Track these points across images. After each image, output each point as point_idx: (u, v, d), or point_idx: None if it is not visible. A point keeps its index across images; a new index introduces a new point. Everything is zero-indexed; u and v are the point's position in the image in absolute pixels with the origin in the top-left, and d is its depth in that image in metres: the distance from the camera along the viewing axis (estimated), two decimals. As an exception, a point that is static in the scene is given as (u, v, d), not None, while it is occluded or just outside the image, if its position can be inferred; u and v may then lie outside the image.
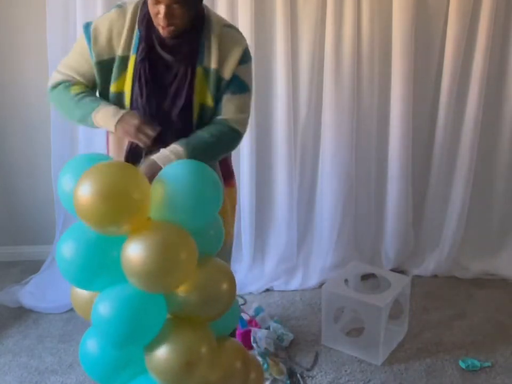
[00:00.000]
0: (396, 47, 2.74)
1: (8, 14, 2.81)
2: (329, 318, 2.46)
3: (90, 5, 2.62)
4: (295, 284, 2.94)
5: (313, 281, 2.95)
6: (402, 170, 2.91)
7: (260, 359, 2.31)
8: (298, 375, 2.29)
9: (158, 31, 1.74)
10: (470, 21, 2.73)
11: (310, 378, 2.30)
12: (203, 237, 1.59)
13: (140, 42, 1.77)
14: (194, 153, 1.69)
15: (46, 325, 2.64)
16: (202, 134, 1.77)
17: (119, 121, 1.74)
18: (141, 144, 1.74)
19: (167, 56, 1.77)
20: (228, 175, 2.00)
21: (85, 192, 1.41)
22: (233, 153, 2.02)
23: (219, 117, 1.82)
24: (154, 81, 1.78)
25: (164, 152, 1.67)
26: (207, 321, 1.62)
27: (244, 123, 1.87)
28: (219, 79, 1.80)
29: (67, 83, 1.85)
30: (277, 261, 2.98)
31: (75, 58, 1.88)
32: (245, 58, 1.82)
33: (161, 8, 1.66)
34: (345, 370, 2.34)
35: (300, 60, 2.77)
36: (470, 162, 2.91)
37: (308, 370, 2.33)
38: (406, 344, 2.49)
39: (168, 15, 1.67)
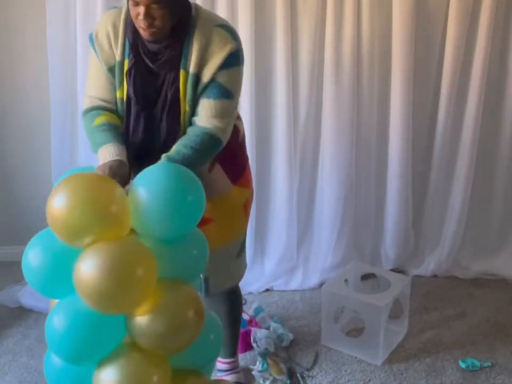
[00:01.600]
0: (395, 47, 2.74)
1: (8, 14, 2.81)
2: (329, 318, 2.46)
3: (90, 5, 2.63)
4: (295, 284, 2.94)
5: (313, 281, 2.95)
6: (402, 170, 2.91)
7: (259, 359, 2.32)
8: (298, 375, 2.29)
9: (142, 37, 1.72)
10: (470, 21, 2.73)
11: (310, 378, 2.30)
12: (184, 256, 1.53)
13: (130, 50, 1.75)
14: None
15: (46, 325, 2.64)
16: (182, 148, 1.70)
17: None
18: None
19: (149, 63, 1.75)
20: (237, 174, 1.98)
21: (60, 203, 1.39)
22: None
23: (198, 123, 1.76)
24: (144, 89, 1.76)
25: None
26: (168, 353, 1.52)
27: (224, 130, 1.78)
28: (197, 82, 1.75)
29: (95, 112, 1.80)
30: (277, 261, 2.98)
31: (94, 75, 1.84)
32: (230, 62, 1.73)
33: (141, 9, 1.63)
34: (345, 370, 2.34)
35: (299, 59, 2.77)
36: (470, 162, 2.91)
37: (308, 370, 2.33)
38: (406, 344, 2.49)
39: (148, 16, 1.64)
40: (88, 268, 1.37)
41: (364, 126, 2.90)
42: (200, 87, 1.75)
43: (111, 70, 1.79)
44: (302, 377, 2.29)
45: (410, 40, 2.72)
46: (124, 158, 1.67)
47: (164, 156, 1.67)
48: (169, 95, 1.75)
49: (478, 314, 2.71)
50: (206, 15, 1.78)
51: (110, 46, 1.77)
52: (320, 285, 2.85)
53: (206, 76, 1.73)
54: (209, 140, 1.74)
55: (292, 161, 2.88)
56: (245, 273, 2.94)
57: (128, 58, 1.76)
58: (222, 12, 2.64)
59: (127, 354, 1.48)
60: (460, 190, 2.95)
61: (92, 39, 1.80)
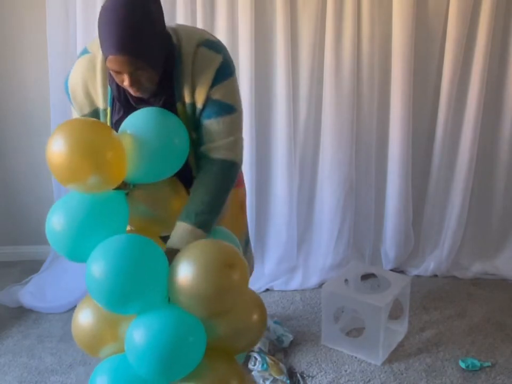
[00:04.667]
0: (396, 47, 2.74)
1: (9, 15, 2.81)
2: (329, 318, 2.46)
3: (90, 6, 2.63)
4: (295, 283, 2.94)
5: (313, 281, 2.95)
6: (402, 170, 2.91)
7: (259, 359, 2.31)
8: (298, 375, 2.29)
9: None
10: (470, 21, 2.73)
11: (310, 378, 2.30)
12: None
13: (113, 99, 1.65)
14: (201, 219, 1.57)
15: (46, 325, 2.64)
16: (198, 195, 1.62)
17: None
18: None
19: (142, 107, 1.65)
20: None
21: (58, 148, 1.43)
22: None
23: (203, 148, 1.67)
24: None
25: (175, 234, 1.56)
26: (235, 353, 1.55)
27: (233, 148, 1.67)
28: (194, 109, 1.66)
29: None
30: (277, 261, 2.98)
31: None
32: (220, 76, 1.63)
33: (125, 77, 1.51)
34: (345, 370, 2.34)
35: (300, 60, 2.77)
36: (470, 163, 2.91)
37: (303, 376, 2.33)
38: (406, 344, 2.49)
39: (134, 82, 1.52)
40: None
41: (364, 126, 2.90)
42: (197, 113, 1.66)
43: (84, 116, 1.68)
44: (302, 377, 2.29)
45: (410, 40, 2.72)
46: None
47: (182, 215, 1.58)
48: None
49: (478, 314, 2.71)
50: (186, 37, 1.65)
51: (87, 94, 1.66)
52: (320, 285, 2.85)
53: (200, 101, 1.64)
54: (222, 167, 1.65)
55: (292, 161, 2.88)
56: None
57: (111, 107, 1.65)
58: (221, 12, 2.65)
59: (206, 361, 1.46)
60: (460, 190, 2.95)
61: (66, 85, 1.69)
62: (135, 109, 1.65)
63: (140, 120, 1.53)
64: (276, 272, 2.96)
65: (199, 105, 1.64)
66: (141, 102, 1.65)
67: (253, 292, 1.57)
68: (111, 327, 1.50)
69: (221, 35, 2.62)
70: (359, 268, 2.67)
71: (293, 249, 3.00)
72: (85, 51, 1.70)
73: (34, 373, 2.35)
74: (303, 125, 2.87)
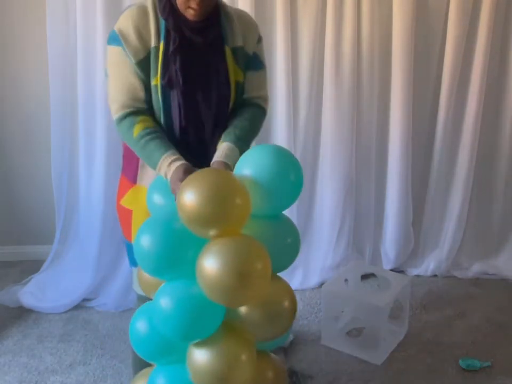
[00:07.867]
0: (396, 46, 2.75)
1: (8, 15, 2.81)
2: (329, 318, 2.46)
3: (90, 5, 2.63)
4: (295, 283, 2.94)
5: (313, 281, 2.95)
6: (402, 170, 2.91)
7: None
8: (298, 374, 2.29)
9: (183, 16, 1.69)
10: (470, 21, 2.73)
11: (310, 378, 2.29)
12: (280, 247, 1.60)
13: (167, 31, 1.71)
14: (241, 145, 1.72)
15: (46, 325, 2.64)
16: (241, 121, 1.78)
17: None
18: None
19: (198, 39, 1.72)
20: None
21: (191, 197, 1.43)
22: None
23: (246, 96, 1.83)
24: (191, 69, 1.73)
25: (227, 153, 1.68)
26: (261, 339, 1.60)
27: (267, 100, 1.89)
28: (245, 55, 1.80)
29: (129, 120, 1.73)
30: (277, 261, 2.98)
31: (119, 76, 1.74)
32: (260, 38, 1.86)
33: None
34: (345, 370, 2.34)
35: (300, 60, 2.78)
36: (470, 163, 2.92)
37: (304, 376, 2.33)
38: (406, 344, 2.49)
39: None
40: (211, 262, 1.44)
41: (364, 126, 2.90)
42: (247, 61, 1.81)
43: (140, 63, 1.71)
44: (302, 377, 2.29)
45: (410, 40, 2.73)
46: (184, 160, 1.66)
47: (228, 135, 1.72)
48: (221, 73, 1.76)
49: (478, 314, 2.71)
50: None
51: (139, 36, 1.70)
52: (320, 285, 2.85)
53: (251, 49, 1.81)
54: (258, 110, 1.84)
55: (292, 161, 2.87)
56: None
57: (164, 41, 1.71)
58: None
59: (220, 338, 1.55)
60: (460, 190, 2.96)
61: (115, 36, 1.72)
62: (188, 40, 1.72)
63: (254, 161, 1.56)
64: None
65: (250, 52, 1.81)
66: (195, 31, 1.72)
67: (283, 279, 1.65)
68: None
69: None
70: (359, 268, 2.67)
71: (293, 249, 2.99)
72: (132, 5, 1.77)
73: (34, 373, 2.35)
74: (303, 125, 2.87)
